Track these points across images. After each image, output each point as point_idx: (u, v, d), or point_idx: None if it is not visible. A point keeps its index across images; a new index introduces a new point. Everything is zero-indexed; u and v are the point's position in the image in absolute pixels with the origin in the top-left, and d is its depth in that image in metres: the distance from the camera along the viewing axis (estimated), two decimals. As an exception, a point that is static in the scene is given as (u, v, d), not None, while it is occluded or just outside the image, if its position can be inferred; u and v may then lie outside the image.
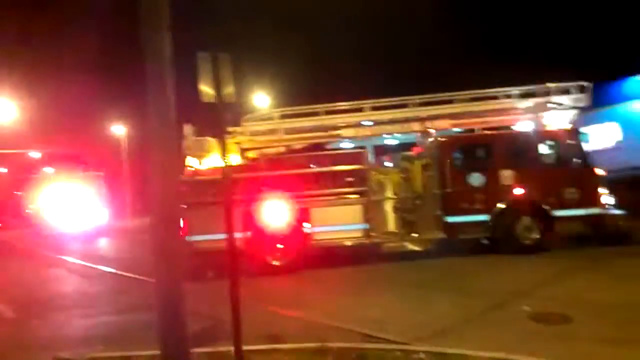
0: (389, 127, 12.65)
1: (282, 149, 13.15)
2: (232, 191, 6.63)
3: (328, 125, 12.56)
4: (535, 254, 10.86)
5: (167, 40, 5.69)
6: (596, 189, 11.13)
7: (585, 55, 23.47)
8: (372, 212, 11.34)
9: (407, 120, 12.50)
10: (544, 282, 8.77)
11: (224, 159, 6.32)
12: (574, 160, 11.28)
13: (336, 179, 11.42)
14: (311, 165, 11.71)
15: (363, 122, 12.51)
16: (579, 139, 11.40)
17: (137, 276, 11.99)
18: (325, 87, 25.66)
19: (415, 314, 7.58)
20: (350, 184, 11.37)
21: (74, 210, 27.39)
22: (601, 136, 15.62)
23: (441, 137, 12.01)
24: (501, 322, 6.92)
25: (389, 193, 11.96)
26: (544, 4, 29.52)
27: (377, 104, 12.60)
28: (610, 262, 9.95)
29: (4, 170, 46.76)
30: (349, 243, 11.38)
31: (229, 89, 6.20)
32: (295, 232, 11.25)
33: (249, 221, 11.03)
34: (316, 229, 11.26)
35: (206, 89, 6.15)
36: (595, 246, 11.18)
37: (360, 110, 12.59)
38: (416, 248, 11.68)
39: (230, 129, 12.14)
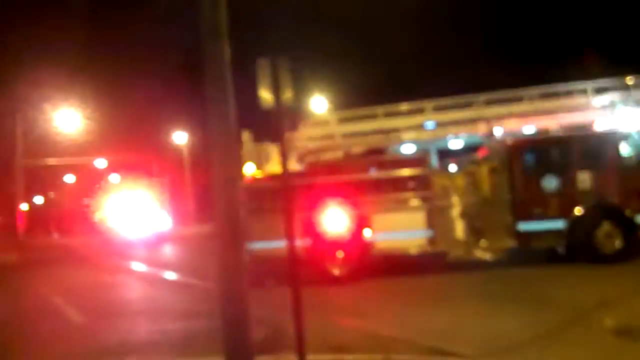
0: (453, 129, 12.23)
1: (340, 154, 12.94)
2: (292, 198, 6.56)
3: (387, 128, 12.29)
4: (617, 264, 10.08)
5: (226, 47, 5.68)
6: None
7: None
8: (436, 219, 10.91)
9: (472, 120, 12.06)
10: (626, 294, 8.12)
11: (284, 165, 6.26)
12: None
13: (397, 184, 11.08)
14: (371, 170, 11.40)
15: (426, 124, 12.17)
16: None
17: (201, 282, 12.10)
18: (388, 89, 25.44)
19: (485, 327, 7.15)
20: (412, 189, 11.01)
21: (139, 217, 28.16)
22: None
23: (510, 138, 11.39)
24: (580, 338, 6.43)
25: (455, 198, 11.47)
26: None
27: (439, 104, 12.23)
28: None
29: (72, 179, 48.74)
30: (412, 251, 11.03)
31: (288, 94, 6.14)
32: (356, 240, 10.97)
33: (309, 228, 10.86)
34: (378, 237, 10.97)
35: (265, 95, 6.11)
36: None
37: (421, 111, 12.25)
38: (485, 257, 11.13)
39: (288, 134, 12.08)
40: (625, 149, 10.66)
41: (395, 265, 11.50)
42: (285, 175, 6.36)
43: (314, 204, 10.91)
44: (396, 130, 12.20)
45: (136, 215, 28.34)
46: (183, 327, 8.73)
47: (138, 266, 17.69)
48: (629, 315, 7.08)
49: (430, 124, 12.38)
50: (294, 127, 12.49)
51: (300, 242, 10.24)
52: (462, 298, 8.94)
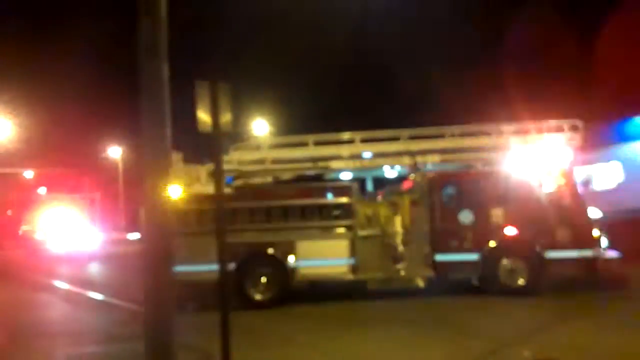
0: (379, 161, 12.57)
1: (270, 179, 12.95)
2: (224, 220, 6.51)
3: (316, 156, 12.46)
4: (526, 297, 10.50)
5: (165, 67, 5.66)
6: (590, 230, 10.82)
7: (586, 94, 23.47)
8: (359, 247, 11.08)
9: (397, 153, 12.41)
10: (545, 325, 8.47)
11: (219, 187, 6.23)
12: (567, 200, 11.00)
13: (322, 211, 11.18)
14: (297, 197, 11.32)
15: (364, 153, 12.39)
16: (572, 179, 11.19)
17: (126, 304, 11.75)
18: (330, 115, 25.75)
19: (410, 356, 7.33)
20: (336, 217, 11.14)
21: (67, 232, 27.14)
22: (603, 176, 15.55)
23: (430, 172, 11.84)
24: None
25: (377, 228, 11.61)
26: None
27: (367, 137, 12.55)
28: (606, 307, 9.66)
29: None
30: (334, 278, 11.16)
31: (227, 117, 6.15)
32: (279, 266, 10.97)
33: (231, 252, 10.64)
34: (301, 263, 10.98)
35: (204, 118, 6.10)
36: (588, 290, 10.82)
37: (351, 142, 12.53)
38: (404, 285, 11.35)
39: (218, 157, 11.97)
40: (538, 187, 11.13)
41: (317, 292, 11.60)
42: (220, 197, 6.33)
43: (235, 228, 10.79)
44: (325, 158, 12.39)
45: (64, 231, 27.29)
46: (105, 351, 8.46)
47: (62, 284, 16.98)
48: (547, 346, 7.35)
49: (367, 154, 12.61)
50: (225, 150, 12.44)
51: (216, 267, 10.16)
52: (386, 325, 9.08)
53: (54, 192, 32.88)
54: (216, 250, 6.16)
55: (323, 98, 29.97)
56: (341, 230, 11.11)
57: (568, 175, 11.20)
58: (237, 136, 13.95)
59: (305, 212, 11.15)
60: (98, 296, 13.51)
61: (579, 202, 11.05)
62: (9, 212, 36.98)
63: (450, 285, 11.46)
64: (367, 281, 11.25)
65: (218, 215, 6.28)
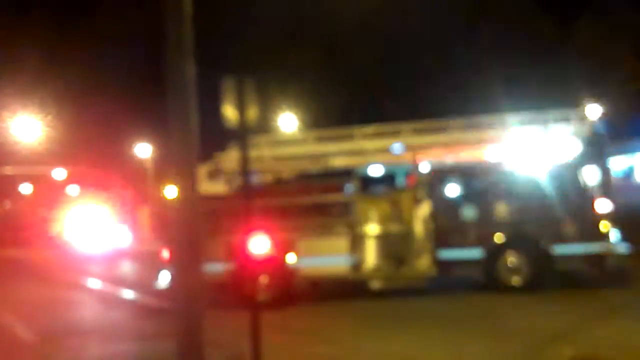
0: (380, 156, 12.37)
1: (270, 178, 12.81)
2: (250, 214, 6.47)
3: (317, 153, 12.32)
4: (533, 293, 10.12)
5: (190, 63, 5.62)
6: (598, 223, 10.35)
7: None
8: (359, 245, 10.92)
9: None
10: (575, 323, 8.22)
11: (246, 182, 6.19)
12: (573, 193, 10.59)
13: (323, 209, 11.00)
14: (297, 195, 11.22)
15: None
16: (580, 171, 10.75)
17: (157, 301, 11.81)
18: (359, 108, 25.57)
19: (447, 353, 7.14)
20: (337, 215, 10.95)
21: (97, 231, 27.52)
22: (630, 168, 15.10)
23: (433, 167, 11.55)
24: None
25: (378, 225, 11.38)
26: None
27: (367, 132, 12.38)
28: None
29: (29, 189, 47.51)
30: (334, 276, 10.92)
31: (253, 113, 6.09)
32: (280, 265, 10.75)
33: (233, 252, 10.36)
34: (302, 262, 10.79)
35: (230, 113, 6.05)
36: (616, 286, 10.32)
37: (350, 137, 12.38)
38: (407, 284, 11.01)
39: (217, 156, 12.04)
40: (543, 180, 10.75)
41: (319, 292, 11.49)
42: (248, 193, 6.28)
43: (238, 227, 10.70)
44: (325, 155, 12.25)
45: (95, 229, 27.68)
46: (136, 349, 8.49)
47: (94, 282, 17.22)
48: (586, 343, 7.11)
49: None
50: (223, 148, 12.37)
51: (224, 266, 10.12)
52: (418, 322, 8.92)
53: (84, 191, 33.34)
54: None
55: (354, 91, 29.65)
56: (342, 228, 10.89)
57: (574, 167, 10.82)
58: (262, 131, 13.82)
59: (304, 210, 10.98)
60: (130, 294, 13.64)
61: (586, 195, 10.63)
62: (41, 212, 37.64)
63: (470, 282, 11.09)
64: (368, 280, 11.01)
65: (246, 212, 6.23)
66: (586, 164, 10.94)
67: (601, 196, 10.69)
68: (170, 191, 11.59)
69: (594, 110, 11.95)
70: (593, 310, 9.01)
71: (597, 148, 11.28)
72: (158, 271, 11.26)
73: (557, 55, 24.40)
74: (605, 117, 11.90)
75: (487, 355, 6.94)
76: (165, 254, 11.06)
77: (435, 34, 27.16)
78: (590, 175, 10.95)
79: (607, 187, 10.96)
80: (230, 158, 12.16)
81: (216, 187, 12.01)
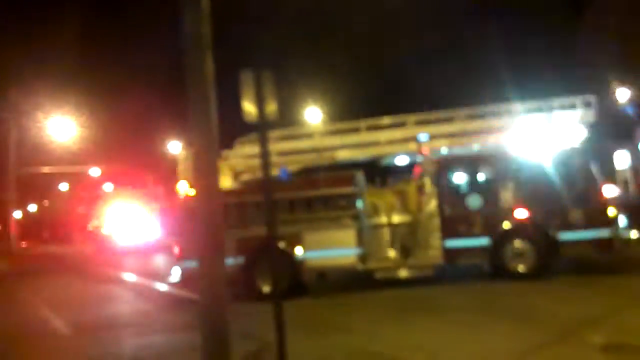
0: (386, 148, 12.27)
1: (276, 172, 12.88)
2: (273, 207, 6.53)
3: (321, 147, 12.31)
4: (546, 280, 10.06)
5: (209, 58, 5.68)
6: (605, 209, 10.21)
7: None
8: (366, 236, 10.93)
9: (405, 140, 12.12)
10: (601, 311, 8.03)
11: (267, 178, 6.23)
12: (580, 179, 10.44)
13: (328, 201, 11.01)
14: (303, 188, 11.24)
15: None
16: (586, 157, 10.61)
17: (191, 294, 11.99)
18: (386, 100, 25.38)
19: (474, 342, 7.03)
20: (343, 207, 10.94)
21: (133, 226, 28.07)
22: None
23: (438, 157, 11.44)
24: (568, 356, 6.30)
25: (384, 216, 11.39)
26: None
27: (372, 124, 12.32)
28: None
29: (66, 187, 48.59)
30: (342, 269, 11.04)
31: (272, 107, 6.12)
32: (286, 258, 10.74)
33: (241, 246, 10.57)
34: (309, 254, 10.84)
35: (249, 108, 6.09)
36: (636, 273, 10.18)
37: (357, 130, 12.32)
38: (414, 274, 10.94)
39: (223, 152, 12.11)
40: (549, 168, 10.59)
41: (327, 283, 11.56)
42: (268, 187, 6.32)
43: (245, 222, 10.78)
44: (330, 149, 12.19)
45: (130, 225, 28.25)
46: (169, 340, 8.66)
47: (130, 276, 17.59)
48: (616, 331, 6.97)
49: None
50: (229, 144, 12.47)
51: (232, 260, 10.05)
52: (442, 312, 8.80)
53: (119, 189, 33.97)
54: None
55: (379, 83, 29.48)
56: (348, 220, 10.89)
57: (581, 154, 10.66)
58: (287, 125, 13.94)
59: (311, 204, 11.05)
60: (164, 288, 13.88)
61: (593, 181, 10.43)
62: (80, 209, 38.50)
63: (475, 271, 11.10)
64: (375, 271, 11.02)
65: (267, 206, 6.28)
66: (605, 149, 10.74)
67: (634, 178, 10.53)
68: (190, 186, 11.70)
69: (622, 94, 11.64)
70: (616, 297, 8.78)
71: (627, 131, 11.07)
72: (171, 266, 11.44)
73: (584, 38, 23.92)
74: (633, 101, 11.56)
75: (514, 343, 6.83)
76: (176, 249, 11.29)
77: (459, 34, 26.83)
78: (620, 159, 10.75)
79: (637, 170, 10.75)
80: (236, 154, 12.27)
81: (223, 183, 12.16)
